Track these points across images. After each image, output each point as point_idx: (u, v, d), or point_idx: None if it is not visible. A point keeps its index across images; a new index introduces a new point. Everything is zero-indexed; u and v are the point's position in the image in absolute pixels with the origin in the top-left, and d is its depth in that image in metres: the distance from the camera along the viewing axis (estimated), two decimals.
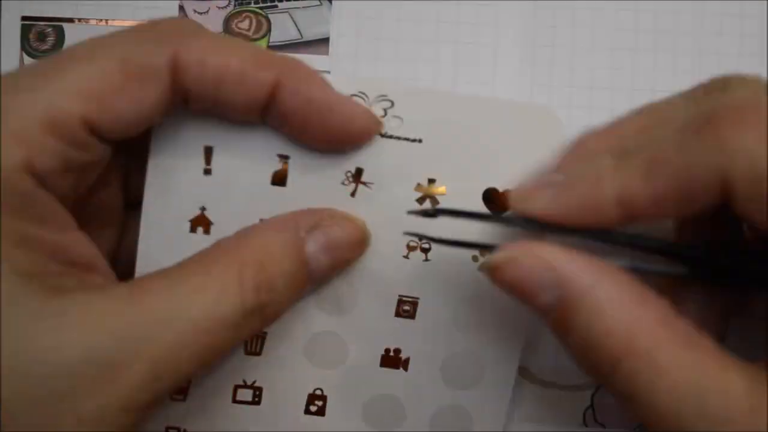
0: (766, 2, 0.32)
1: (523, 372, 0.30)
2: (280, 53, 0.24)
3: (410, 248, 0.28)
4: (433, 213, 0.24)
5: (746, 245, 0.24)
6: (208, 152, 0.26)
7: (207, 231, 0.27)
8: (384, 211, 0.27)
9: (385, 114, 0.26)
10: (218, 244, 0.24)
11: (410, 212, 0.25)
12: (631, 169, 0.21)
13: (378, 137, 0.26)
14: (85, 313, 0.20)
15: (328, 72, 0.33)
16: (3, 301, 0.19)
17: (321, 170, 0.26)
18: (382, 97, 0.26)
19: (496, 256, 0.23)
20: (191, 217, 0.26)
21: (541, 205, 0.23)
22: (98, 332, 0.20)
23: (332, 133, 0.25)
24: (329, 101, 0.24)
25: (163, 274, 0.22)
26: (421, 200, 0.27)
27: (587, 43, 0.33)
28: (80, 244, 0.22)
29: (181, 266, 0.23)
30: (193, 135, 0.26)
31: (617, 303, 0.21)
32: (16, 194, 0.20)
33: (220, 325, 0.22)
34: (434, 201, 0.27)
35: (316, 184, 0.26)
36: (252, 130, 0.25)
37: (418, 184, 0.27)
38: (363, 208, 0.27)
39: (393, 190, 0.27)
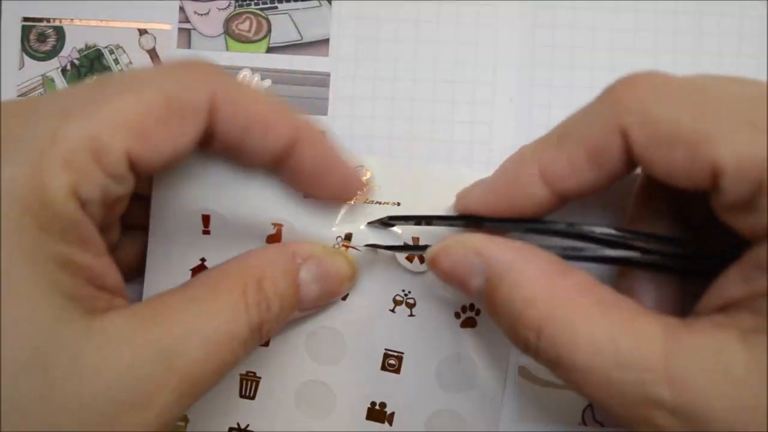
0: (766, 2, 0.32)
1: (523, 372, 0.30)
2: (297, 113, 0.25)
3: (396, 302, 0.29)
4: (388, 222, 0.27)
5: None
6: (206, 219, 0.27)
7: None
8: (371, 268, 0.28)
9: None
10: (223, 266, 0.25)
11: (369, 223, 0.28)
12: (547, 144, 0.24)
13: (363, 204, 0.28)
14: (121, 332, 0.21)
15: (329, 74, 0.33)
16: (54, 322, 0.20)
17: (312, 237, 0.27)
18: (360, 167, 0.29)
19: (432, 248, 0.25)
20: (192, 266, 0.28)
21: (475, 197, 0.25)
22: (136, 349, 0.21)
23: (332, 189, 0.27)
24: (336, 161, 0.26)
25: (174, 295, 0.23)
26: (410, 258, 0.28)
27: (587, 43, 0.33)
28: (110, 269, 0.22)
29: (192, 287, 0.24)
30: (191, 202, 0.26)
31: (537, 275, 0.22)
32: (62, 217, 0.20)
33: (235, 341, 0.23)
34: (421, 259, 0.28)
35: None
36: (246, 196, 0.26)
37: (405, 243, 0.28)
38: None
39: (380, 249, 0.28)
